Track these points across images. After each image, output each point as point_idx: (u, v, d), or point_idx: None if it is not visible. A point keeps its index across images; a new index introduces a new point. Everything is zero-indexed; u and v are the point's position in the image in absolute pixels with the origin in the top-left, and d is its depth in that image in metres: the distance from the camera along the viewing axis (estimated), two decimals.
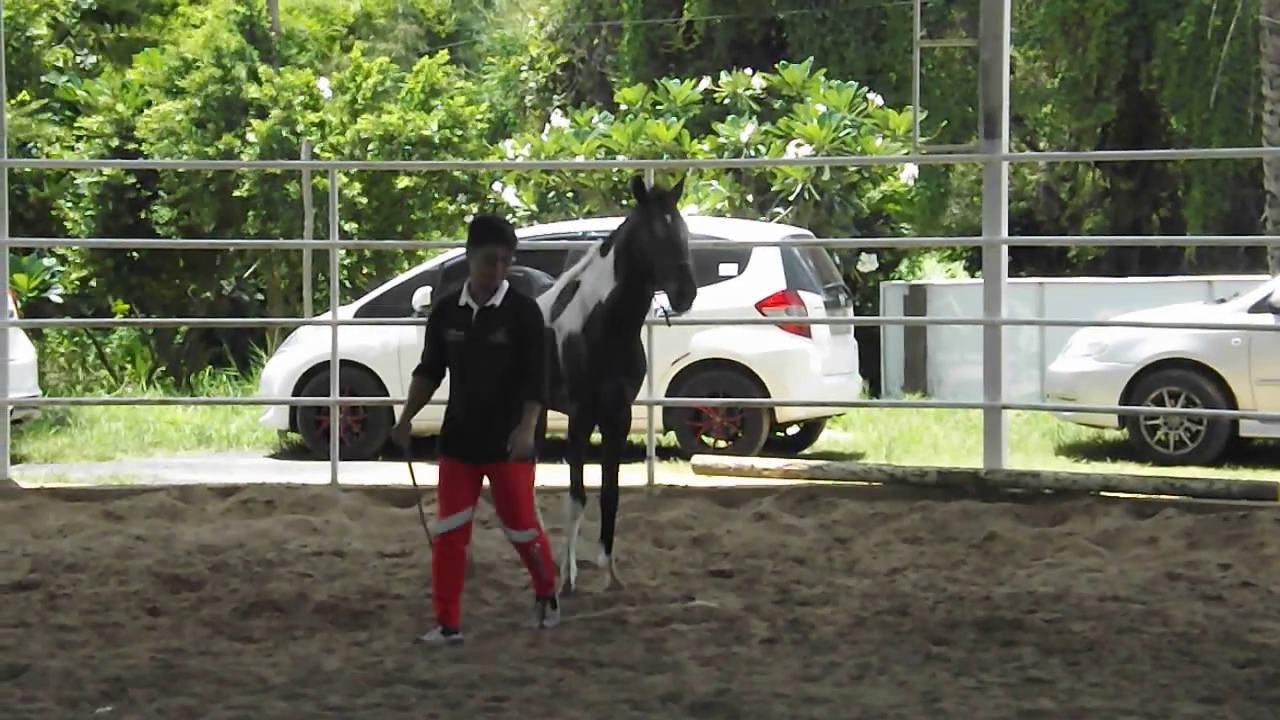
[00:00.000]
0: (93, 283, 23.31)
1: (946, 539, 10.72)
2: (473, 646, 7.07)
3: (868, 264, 22.41)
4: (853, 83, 23.24)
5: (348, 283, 21.67)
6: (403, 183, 22.62)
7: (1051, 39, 29.63)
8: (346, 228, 21.71)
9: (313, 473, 13.09)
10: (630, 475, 13.27)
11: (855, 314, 19.31)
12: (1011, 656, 7.94)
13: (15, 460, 13.75)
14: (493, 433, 7.92)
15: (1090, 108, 28.75)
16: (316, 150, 21.83)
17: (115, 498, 12.05)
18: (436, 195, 22.92)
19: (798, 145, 21.62)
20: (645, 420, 13.15)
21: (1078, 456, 16.01)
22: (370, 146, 22.61)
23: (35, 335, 19.39)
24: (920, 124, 13.26)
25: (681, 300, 8.91)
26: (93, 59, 27.38)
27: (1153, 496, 11.72)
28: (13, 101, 22.78)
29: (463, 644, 7.90)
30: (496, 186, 22.55)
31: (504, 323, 7.94)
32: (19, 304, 18.41)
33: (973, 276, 29.55)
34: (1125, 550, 10.41)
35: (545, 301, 9.19)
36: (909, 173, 22.76)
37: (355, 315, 15.82)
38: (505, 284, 8.02)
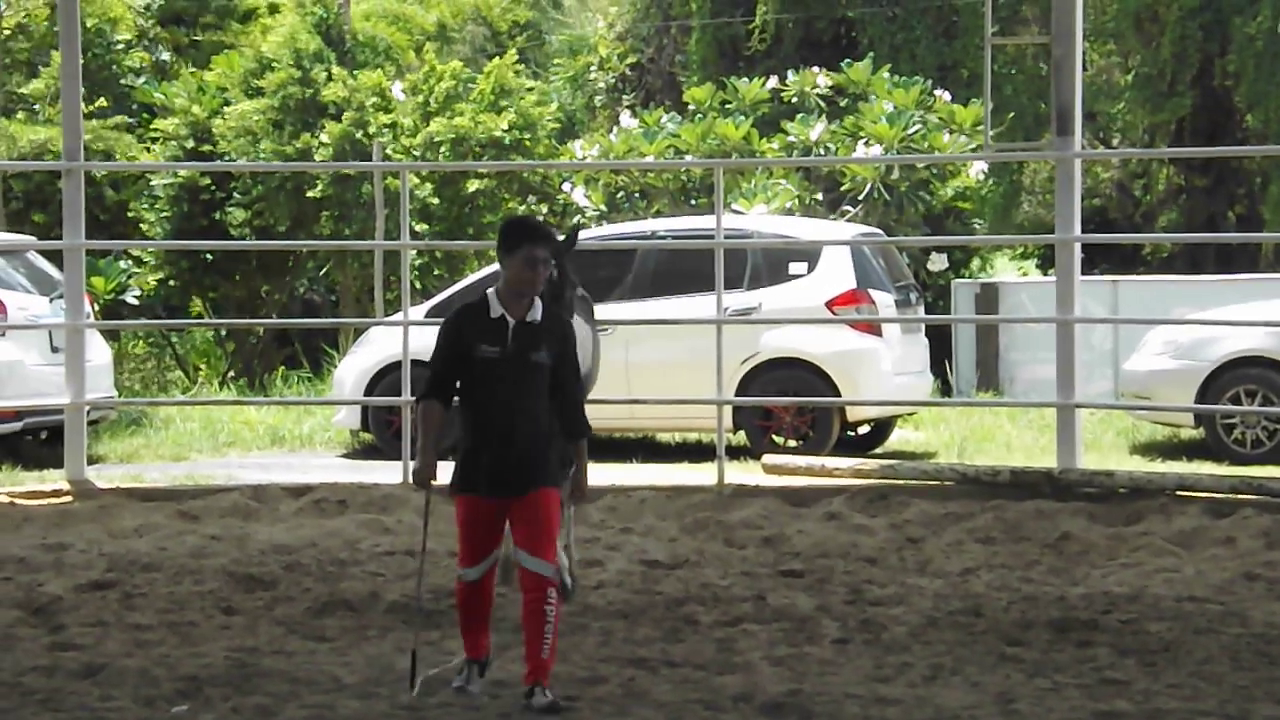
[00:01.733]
0: (168, 284, 23.49)
1: (1020, 539, 10.65)
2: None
3: (938, 263, 22.29)
4: (918, 79, 23.13)
5: (419, 283, 21.74)
6: (473, 184, 22.68)
7: (1125, 34, 29.38)
8: (418, 229, 21.78)
9: (385, 472, 13.14)
10: (701, 475, 13.28)
11: (926, 312, 19.21)
12: (1087, 657, 7.88)
13: (92, 460, 13.87)
14: (529, 461, 6.92)
15: (1164, 103, 28.47)
16: (388, 152, 21.92)
17: (190, 498, 12.14)
18: (506, 196, 22.97)
19: (867, 144, 21.53)
20: (716, 420, 13.15)
21: (1153, 456, 15.87)
22: (442, 148, 22.69)
23: (112, 336, 19.57)
24: (990, 120, 13.15)
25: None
26: (169, 61, 27.60)
27: (1230, 496, 11.60)
28: (90, 107, 22.99)
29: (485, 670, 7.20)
30: (566, 187, 22.58)
31: (545, 339, 6.98)
32: (96, 306, 18.60)
33: (1045, 274, 29.33)
34: (1202, 550, 10.31)
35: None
36: (978, 169, 22.62)
37: (426, 315, 15.86)
38: (537, 298, 7.10)
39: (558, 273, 8.13)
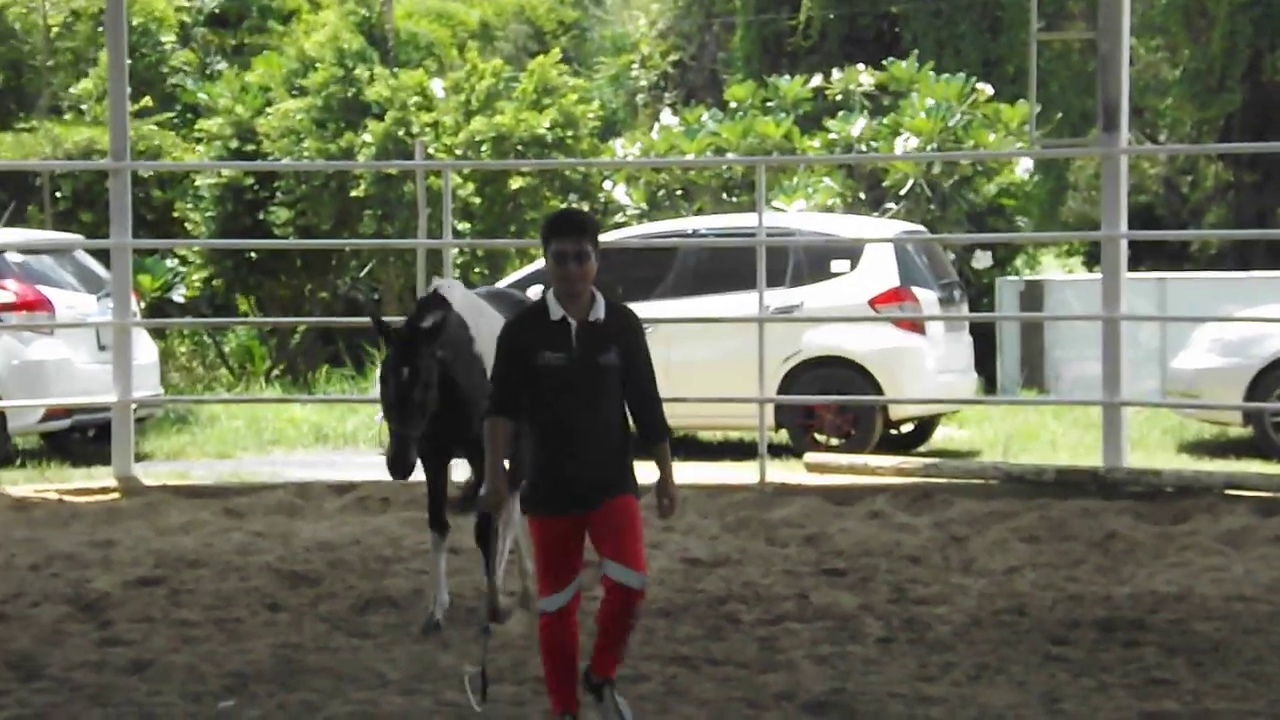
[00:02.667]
0: (213, 283, 23.62)
1: (1065, 538, 10.62)
2: (586, 641, 7.08)
3: (982, 260, 22.23)
4: (961, 74, 23.07)
5: (461, 280, 21.79)
6: (515, 182, 22.73)
7: (1173, 29, 29.25)
8: (460, 227, 21.83)
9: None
10: (743, 473, 13.29)
11: (970, 310, 19.17)
12: (1134, 657, 7.86)
13: (139, 458, 13.96)
14: (604, 471, 6.35)
15: (1212, 99, 28.33)
16: (431, 151, 21.98)
17: (235, 495, 12.21)
18: (548, 194, 23.01)
19: (906, 139, 21.48)
20: (758, 418, 13.16)
21: (1200, 454, 15.80)
22: (483, 147, 22.74)
23: (158, 335, 19.68)
24: (1035, 117, 13.12)
25: (390, 468, 7.83)
26: (217, 64, 27.73)
27: (1279, 495, 11.54)
28: (136, 107, 23.12)
29: None
30: (607, 185, 22.62)
31: (613, 339, 6.37)
32: (142, 304, 18.71)
33: (1091, 271, 29.22)
34: (1250, 550, 10.25)
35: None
36: (1024, 166, 22.56)
37: None
38: (599, 294, 6.46)
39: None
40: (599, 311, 6.37)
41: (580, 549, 6.38)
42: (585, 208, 22.70)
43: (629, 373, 6.38)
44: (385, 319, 7.97)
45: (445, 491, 8.54)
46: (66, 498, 12.13)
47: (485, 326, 8.29)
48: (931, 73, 23.20)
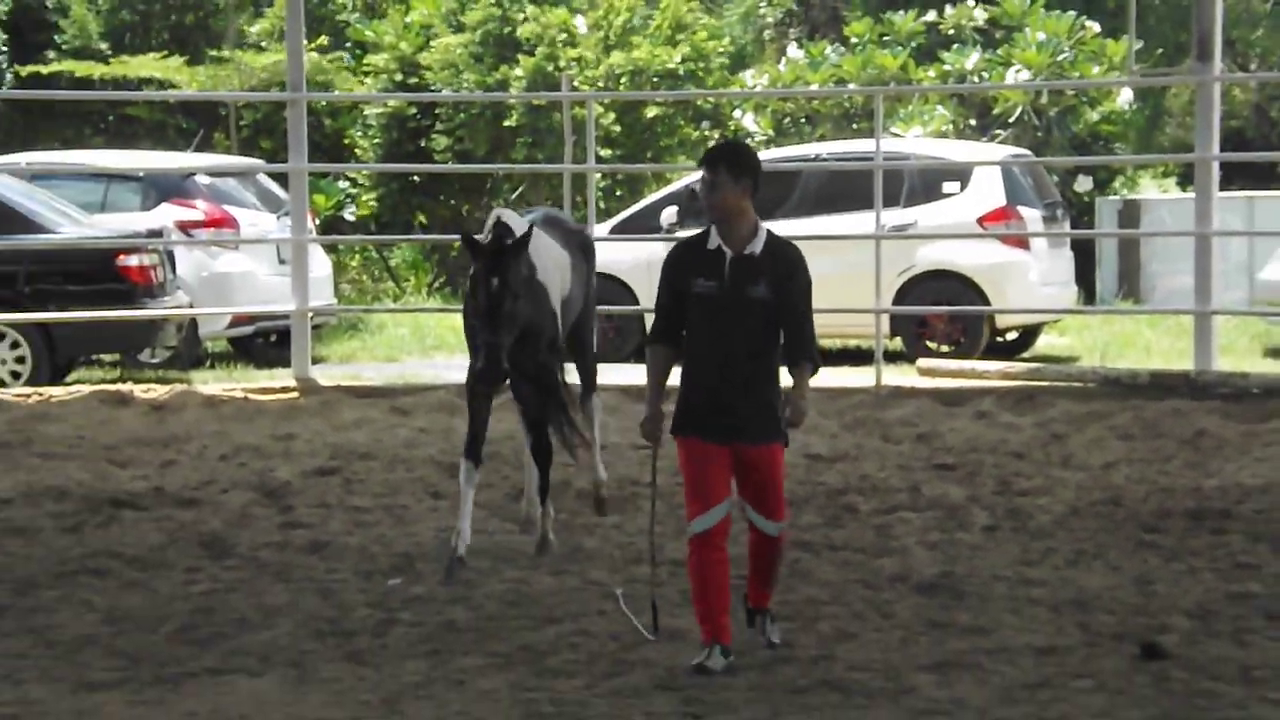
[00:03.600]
0: (381, 203, 23.81)
1: (1157, 435, 10.47)
2: None
3: (1084, 184, 21.89)
4: (1071, 12, 22.66)
5: (603, 203, 21.79)
6: (651, 111, 22.63)
7: None
8: (602, 153, 21.80)
9: (572, 373, 13.21)
10: (860, 377, 13.22)
11: (1071, 228, 18.88)
12: (1220, 544, 7.76)
13: (315, 361, 14.14)
14: (749, 406, 5.98)
15: None
16: (575, 83, 21.94)
17: (401, 395, 12.33)
18: (682, 123, 22.89)
19: (1017, 71, 21.14)
20: (874, 327, 13.10)
21: None
22: (621, 79, 22.65)
23: (331, 250, 19.86)
24: (1135, 49, 12.87)
25: (480, 378, 7.31)
26: (383, 3, 27.75)
27: None
28: (311, 45, 23.27)
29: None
30: (737, 114, 22.51)
31: (765, 273, 5.97)
32: (317, 222, 18.89)
33: (1185, 192, 28.64)
34: None
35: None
36: (1125, 96, 22.12)
37: (610, 233, 15.91)
38: (763, 227, 6.06)
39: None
40: (757, 245, 6.01)
41: (725, 477, 6.00)
42: (717, 134, 22.59)
43: (781, 307, 5.97)
44: (474, 235, 7.40)
45: (487, 424, 7.67)
46: (251, 396, 12.32)
47: (546, 256, 7.66)
48: (1042, 8, 22.79)
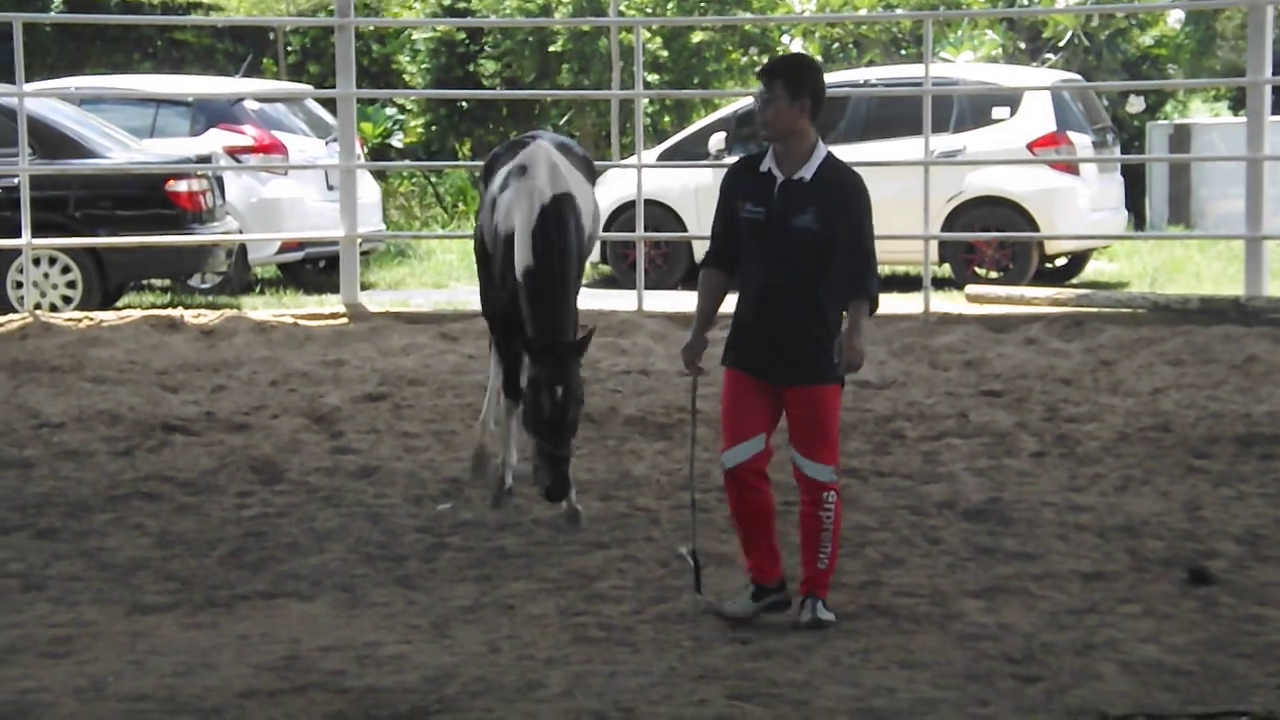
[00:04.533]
0: (429, 130, 23.76)
1: (1207, 361, 10.38)
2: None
3: (1135, 105, 21.61)
4: None
5: (651, 129, 21.68)
6: (698, 36, 22.47)
7: None
8: (649, 79, 21.67)
9: (620, 300, 13.22)
10: (908, 304, 13.15)
11: (1121, 153, 18.67)
12: (1270, 469, 7.71)
13: (364, 287, 14.17)
14: (795, 343, 5.60)
15: None
16: (622, 8, 21.79)
17: (450, 321, 12.33)
18: (730, 48, 22.73)
19: None
20: (923, 253, 13.01)
21: None
22: (669, 4, 22.48)
23: (380, 176, 19.87)
24: None
25: (548, 494, 6.77)
26: None
27: None
28: None
29: (786, 605, 5.73)
30: (785, 39, 22.29)
31: (814, 200, 5.53)
32: (366, 149, 18.88)
33: (1236, 115, 28.26)
34: None
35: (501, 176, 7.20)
36: (1175, 17, 21.81)
37: (658, 159, 15.83)
38: (822, 150, 5.61)
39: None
40: (809, 169, 5.60)
41: (764, 412, 5.63)
42: (764, 59, 22.41)
43: (833, 238, 5.55)
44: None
45: (521, 360, 7.06)
46: (300, 322, 12.35)
47: (581, 198, 7.21)
48: None
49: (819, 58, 21.67)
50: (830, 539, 5.64)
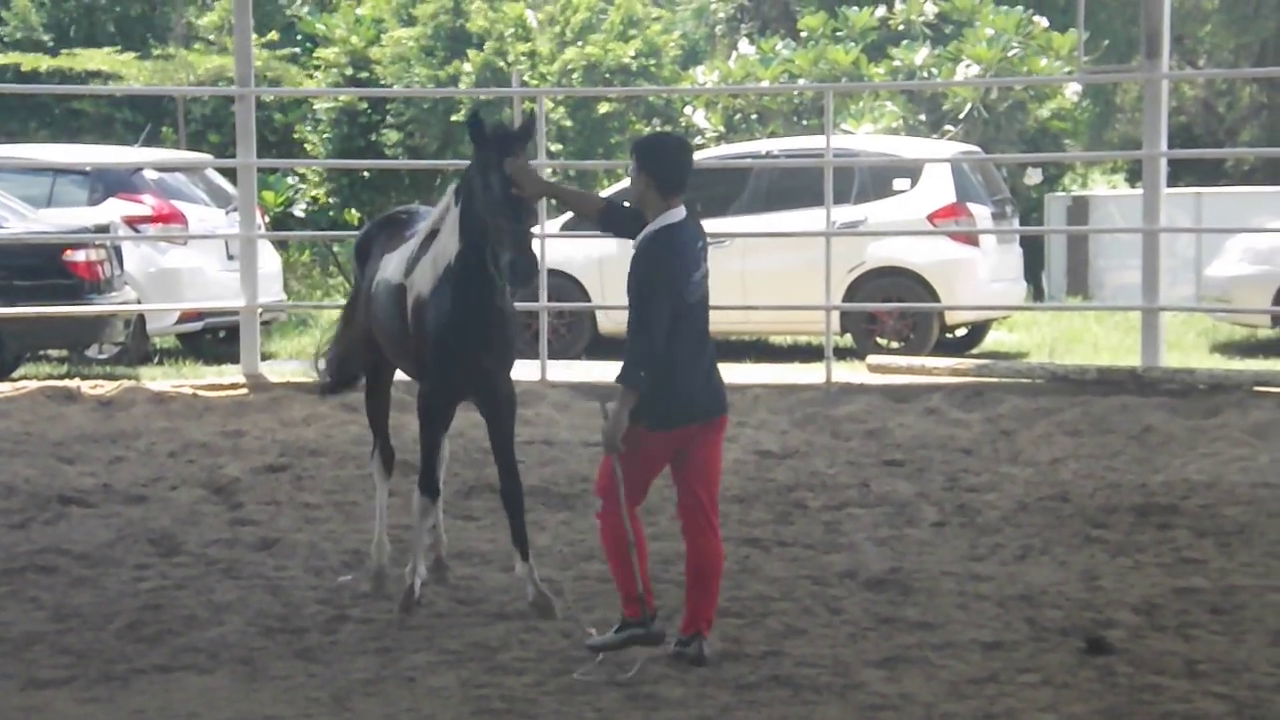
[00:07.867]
0: (330, 199, 23.75)
1: (1105, 431, 10.58)
2: (668, 527, 7.12)
3: (1033, 176, 22.02)
4: (1019, 6, 22.81)
5: (553, 200, 21.79)
6: (604, 108, 22.66)
7: None
8: (553, 149, 21.81)
9: (522, 370, 13.20)
10: (810, 374, 13.28)
11: (1021, 224, 19.00)
12: (1166, 539, 7.85)
13: (265, 357, 14.10)
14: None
15: (1249, 25, 27.77)
16: (526, 79, 21.93)
17: (352, 392, 12.27)
18: (634, 119, 22.93)
19: (967, 66, 21.26)
20: (824, 323, 13.17)
21: (1231, 354, 15.64)
22: (575, 75, 22.66)
23: (280, 246, 19.81)
24: (1084, 44, 12.96)
25: (516, 275, 6.32)
26: None
27: None
28: (260, 39, 23.18)
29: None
30: (688, 110, 22.54)
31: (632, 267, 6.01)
32: (266, 218, 18.83)
33: (1133, 187, 28.86)
34: (1276, 441, 10.18)
35: (403, 252, 6.95)
36: (1073, 90, 22.29)
37: (561, 229, 15.93)
38: (663, 219, 5.94)
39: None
40: (641, 237, 6.04)
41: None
42: (668, 130, 22.62)
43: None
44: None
45: (442, 448, 7.01)
46: (200, 392, 12.29)
47: None
48: (992, 2, 22.92)
49: (721, 129, 21.92)
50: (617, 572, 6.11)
